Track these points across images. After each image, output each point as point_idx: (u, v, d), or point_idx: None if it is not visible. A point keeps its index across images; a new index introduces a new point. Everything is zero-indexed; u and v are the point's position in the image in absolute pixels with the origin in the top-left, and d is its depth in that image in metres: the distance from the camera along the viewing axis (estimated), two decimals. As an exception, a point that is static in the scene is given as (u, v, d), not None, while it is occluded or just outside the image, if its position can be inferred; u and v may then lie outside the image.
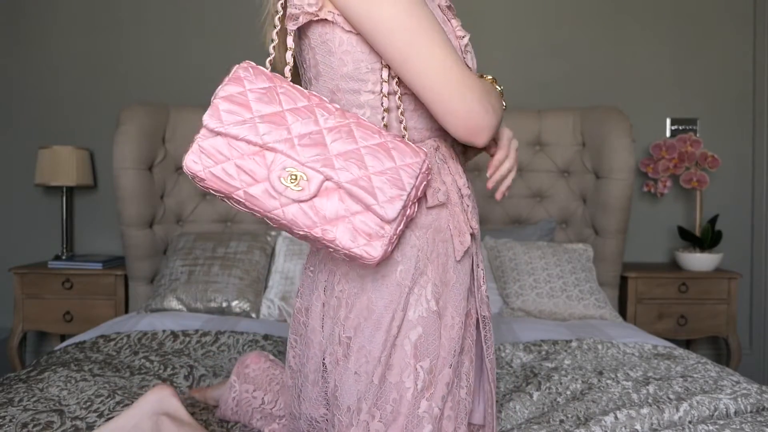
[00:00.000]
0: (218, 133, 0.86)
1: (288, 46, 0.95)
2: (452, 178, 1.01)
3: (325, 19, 0.92)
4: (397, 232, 0.87)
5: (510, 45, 2.94)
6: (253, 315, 2.30)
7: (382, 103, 0.95)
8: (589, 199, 2.68)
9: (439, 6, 0.99)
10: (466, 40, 1.01)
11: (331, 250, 0.87)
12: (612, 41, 2.97)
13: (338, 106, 0.91)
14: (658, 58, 2.98)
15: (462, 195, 1.01)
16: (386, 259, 0.94)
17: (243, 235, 2.54)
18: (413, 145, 0.91)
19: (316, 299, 1.02)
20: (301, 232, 0.86)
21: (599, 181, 2.61)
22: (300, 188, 0.84)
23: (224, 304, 2.28)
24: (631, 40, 2.97)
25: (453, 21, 1.01)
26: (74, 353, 1.72)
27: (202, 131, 0.87)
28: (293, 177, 0.84)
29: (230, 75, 0.89)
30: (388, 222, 0.86)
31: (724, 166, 2.90)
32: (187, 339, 1.86)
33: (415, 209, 0.91)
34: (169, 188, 2.65)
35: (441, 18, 0.98)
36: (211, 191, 0.87)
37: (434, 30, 0.88)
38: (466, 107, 0.88)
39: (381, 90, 0.95)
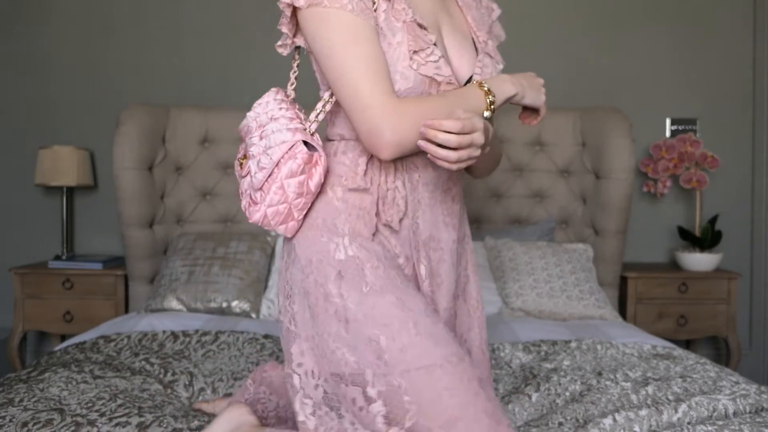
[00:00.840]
0: None
1: (292, 67, 1.24)
2: (381, 173, 1.10)
3: (300, 46, 1.11)
4: (272, 203, 1.06)
5: (509, 45, 2.92)
6: (253, 315, 2.30)
7: (324, 106, 1.11)
8: (589, 199, 2.68)
9: (404, 21, 1.05)
10: (427, 52, 1.06)
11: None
12: (612, 41, 2.97)
13: (291, 106, 1.12)
14: (658, 58, 2.98)
15: (387, 188, 1.11)
16: (311, 218, 1.10)
17: (243, 235, 2.54)
18: (304, 132, 1.07)
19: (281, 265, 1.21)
20: (241, 200, 1.14)
21: (599, 181, 2.61)
22: (242, 167, 1.15)
23: (224, 305, 2.28)
24: (631, 40, 2.97)
25: (408, 34, 1.06)
26: (74, 354, 1.72)
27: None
28: (242, 161, 1.16)
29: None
30: (257, 189, 1.07)
31: (724, 166, 2.90)
32: (187, 339, 1.86)
33: (307, 187, 1.06)
34: (169, 188, 2.65)
35: (398, 30, 1.05)
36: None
37: (358, 59, 1.01)
38: (368, 125, 1.00)
39: (326, 96, 1.11)
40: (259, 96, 1.19)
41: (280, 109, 1.10)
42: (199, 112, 2.67)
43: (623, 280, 2.69)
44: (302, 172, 1.05)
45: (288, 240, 1.12)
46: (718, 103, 2.99)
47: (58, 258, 2.70)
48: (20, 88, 2.94)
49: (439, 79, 1.07)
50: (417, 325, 0.99)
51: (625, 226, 2.59)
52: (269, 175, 1.05)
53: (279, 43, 1.13)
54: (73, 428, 1.18)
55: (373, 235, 1.09)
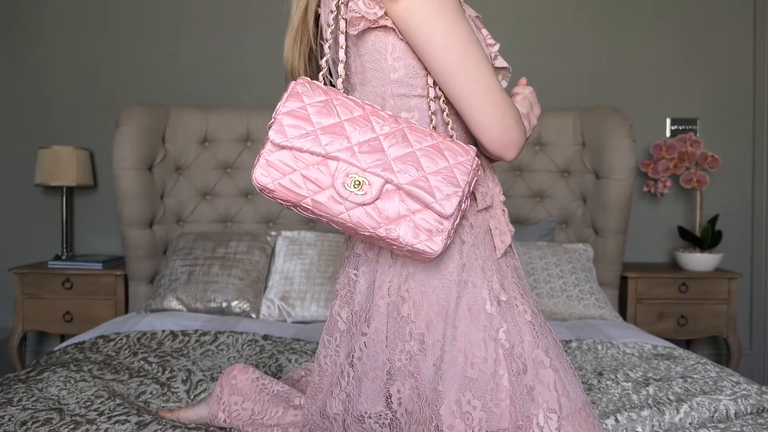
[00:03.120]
0: (283, 147, 0.92)
1: (340, 58, 1.00)
2: (494, 183, 1.07)
3: (384, 26, 0.96)
4: (454, 226, 0.93)
5: (510, 45, 2.93)
6: (253, 315, 2.30)
7: (429, 106, 1.01)
8: (589, 199, 2.68)
9: (470, 17, 1.03)
10: (495, 48, 1.06)
11: (395, 247, 0.94)
12: (612, 41, 2.97)
13: (390, 113, 0.97)
14: (658, 58, 2.98)
15: (501, 199, 1.08)
16: (448, 256, 1.01)
17: (243, 235, 2.54)
18: (462, 143, 0.96)
19: (379, 297, 1.05)
20: (366, 233, 0.93)
21: (599, 181, 2.61)
22: (363, 192, 0.91)
23: (224, 304, 2.28)
24: (631, 40, 2.97)
25: (483, 30, 1.07)
26: (74, 353, 1.72)
27: (268, 146, 0.92)
28: (357, 183, 0.91)
29: (288, 91, 0.95)
30: (446, 217, 0.92)
31: (724, 166, 2.90)
32: (186, 338, 1.85)
33: (468, 204, 0.96)
34: (169, 188, 2.65)
35: (473, 29, 1.01)
36: (279, 201, 0.94)
37: (479, 50, 0.94)
38: (505, 124, 0.95)
39: (428, 94, 1.00)
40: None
41: (381, 117, 0.95)
42: (199, 112, 2.67)
43: (623, 280, 2.69)
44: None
45: (410, 279, 1.02)
46: (718, 103, 2.99)
47: (57, 258, 2.70)
48: (20, 88, 2.94)
49: (510, 70, 1.07)
50: (567, 376, 1.00)
51: (626, 226, 2.59)
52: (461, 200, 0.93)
53: (357, 14, 0.95)
54: (71, 427, 1.18)
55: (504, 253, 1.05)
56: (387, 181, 0.91)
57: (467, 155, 0.94)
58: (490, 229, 1.06)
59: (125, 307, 2.62)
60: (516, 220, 2.77)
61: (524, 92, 1.12)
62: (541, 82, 2.90)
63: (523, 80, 1.15)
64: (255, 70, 2.90)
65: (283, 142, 0.91)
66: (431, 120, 1.01)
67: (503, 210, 1.08)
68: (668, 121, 2.99)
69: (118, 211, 2.52)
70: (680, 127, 2.98)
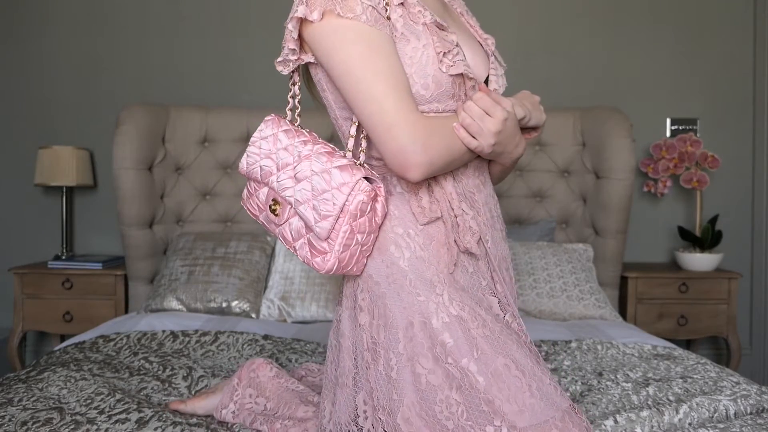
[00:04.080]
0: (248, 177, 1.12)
1: (290, 89, 1.14)
2: (445, 197, 1.06)
3: (311, 62, 1.04)
4: (342, 248, 0.98)
5: (510, 45, 2.93)
6: (253, 315, 2.30)
7: (354, 131, 1.04)
8: (589, 199, 2.68)
9: (424, 24, 1.00)
10: (453, 52, 1.01)
11: (305, 261, 1.05)
12: (612, 41, 2.97)
13: (311, 138, 1.05)
14: (658, 58, 2.98)
15: (455, 214, 1.05)
16: (393, 266, 1.02)
17: (243, 235, 2.54)
18: (359, 168, 0.99)
19: (346, 306, 1.09)
20: (289, 247, 1.07)
21: (599, 181, 2.61)
22: (278, 215, 1.05)
23: (224, 305, 2.28)
24: (631, 40, 2.97)
25: (432, 36, 1.01)
26: (74, 353, 1.72)
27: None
28: (273, 207, 1.05)
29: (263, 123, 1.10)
30: (324, 239, 0.99)
31: (724, 166, 2.90)
32: (187, 339, 1.85)
33: (374, 223, 1.01)
34: (169, 188, 2.65)
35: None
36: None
37: (378, 75, 0.95)
38: (397, 146, 0.95)
39: (353, 119, 1.04)
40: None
41: (304, 143, 1.03)
42: (199, 112, 2.67)
43: (623, 280, 2.69)
44: (369, 210, 0.99)
45: (365, 289, 1.04)
46: (718, 103, 2.99)
47: (57, 258, 2.70)
48: (20, 88, 2.94)
49: (471, 75, 1.03)
50: (531, 388, 0.97)
51: (626, 226, 2.59)
52: (335, 222, 0.98)
53: (279, 59, 1.06)
54: (72, 427, 1.18)
55: (454, 265, 1.03)
56: (289, 204, 1.02)
57: (348, 179, 0.97)
58: (444, 241, 1.04)
59: (125, 307, 2.62)
60: (516, 220, 2.77)
61: (528, 98, 1.11)
62: (541, 82, 2.91)
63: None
64: (255, 70, 2.90)
65: (243, 171, 1.12)
66: (360, 145, 1.05)
67: (456, 225, 1.05)
68: (668, 121, 2.99)
69: (118, 211, 2.52)
70: (680, 127, 2.98)
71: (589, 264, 2.50)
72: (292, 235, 1.04)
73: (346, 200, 0.96)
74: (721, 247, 2.91)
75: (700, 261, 2.67)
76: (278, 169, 1.03)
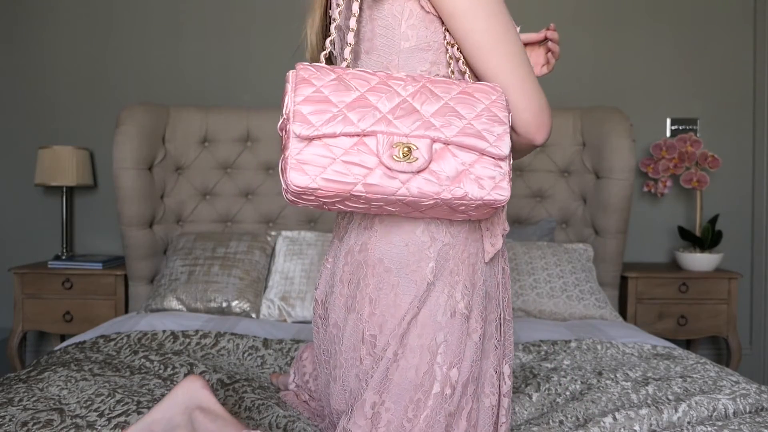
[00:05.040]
0: (312, 138, 0.82)
1: (353, 11, 0.93)
2: None
3: None
4: (511, 168, 0.89)
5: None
6: (253, 315, 2.30)
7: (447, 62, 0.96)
8: (589, 199, 2.68)
9: None
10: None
11: (462, 208, 0.88)
12: (612, 41, 2.97)
13: (405, 73, 0.91)
14: (658, 58, 2.98)
15: None
16: (414, 253, 0.94)
17: (243, 235, 2.54)
18: (486, 83, 0.92)
19: (338, 293, 1.00)
20: (430, 202, 0.85)
21: (599, 181, 2.61)
22: (415, 159, 0.83)
23: (224, 304, 2.28)
24: (631, 40, 2.97)
25: None
26: (74, 353, 1.72)
27: (293, 145, 0.83)
28: (405, 151, 0.83)
29: (293, 81, 0.86)
30: (503, 159, 0.87)
31: (724, 166, 2.90)
32: (187, 340, 1.85)
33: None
34: (169, 188, 2.65)
35: None
36: (321, 201, 0.86)
37: (514, 25, 0.93)
38: (540, 104, 0.92)
39: (450, 69, 0.95)
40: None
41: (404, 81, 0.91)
42: (199, 112, 2.67)
43: (623, 280, 2.69)
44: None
45: (371, 275, 0.96)
46: (718, 103, 2.99)
47: (57, 258, 2.70)
48: (20, 88, 2.94)
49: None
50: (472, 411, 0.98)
51: (626, 226, 2.59)
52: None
53: None
54: (72, 430, 1.18)
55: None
56: (434, 140, 0.85)
57: (497, 91, 0.90)
58: (480, 229, 0.99)
59: (125, 307, 2.62)
60: (516, 220, 2.77)
61: None
62: (541, 82, 2.90)
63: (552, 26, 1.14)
64: (255, 70, 2.90)
65: (312, 133, 0.82)
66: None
67: (502, 207, 1.00)
68: (668, 121, 2.99)
69: (118, 211, 2.52)
70: (680, 127, 2.98)
71: (589, 264, 2.50)
72: (447, 178, 0.85)
73: (508, 113, 0.90)
74: (721, 247, 2.91)
75: (700, 261, 2.67)
76: (382, 112, 0.85)
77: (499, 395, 1.03)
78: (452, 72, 0.95)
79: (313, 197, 0.84)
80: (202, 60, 2.93)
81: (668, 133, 2.99)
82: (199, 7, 2.93)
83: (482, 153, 0.86)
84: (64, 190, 2.80)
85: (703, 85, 2.99)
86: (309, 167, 0.82)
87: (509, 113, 0.90)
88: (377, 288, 0.95)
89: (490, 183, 0.86)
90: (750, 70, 2.99)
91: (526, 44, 1.17)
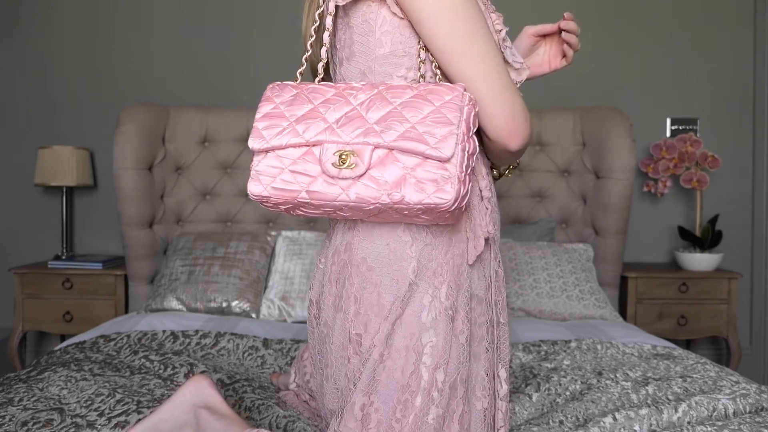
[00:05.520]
0: (266, 151, 0.90)
1: (326, 26, 0.96)
2: (473, 177, 1.00)
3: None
4: (464, 170, 0.85)
5: (510, 45, 2.93)
6: (253, 315, 2.30)
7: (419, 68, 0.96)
8: (589, 199, 2.68)
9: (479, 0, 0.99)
10: (503, 34, 1.02)
11: (406, 212, 0.88)
12: (612, 41, 2.97)
13: (365, 82, 0.93)
14: (658, 59, 2.98)
15: (483, 197, 1.01)
16: (396, 252, 0.95)
17: (243, 235, 2.54)
18: (447, 83, 0.90)
19: (328, 292, 1.02)
20: (370, 207, 0.87)
21: (599, 181, 2.61)
22: (354, 165, 0.86)
23: (224, 304, 2.28)
24: (631, 41, 2.97)
25: (493, 15, 1.02)
26: (74, 353, 1.72)
27: (254, 158, 0.91)
28: (342, 158, 0.86)
29: (261, 99, 0.94)
30: (447, 161, 0.85)
31: (724, 166, 2.90)
32: (187, 340, 1.85)
33: (475, 145, 0.90)
34: (169, 188, 2.65)
35: (482, 8, 0.98)
36: (278, 207, 0.92)
37: (487, 29, 0.91)
38: (512, 110, 0.90)
39: (420, 73, 0.95)
40: (259, 96, 1.11)
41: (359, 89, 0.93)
42: (199, 112, 2.67)
43: (623, 280, 2.69)
44: (475, 126, 0.92)
45: (355, 275, 0.98)
46: (718, 103, 2.99)
47: (57, 258, 2.70)
48: (20, 88, 2.94)
49: (516, 66, 1.03)
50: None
51: (626, 226, 2.59)
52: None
53: None
54: (72, 430, 1.18)
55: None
56: (375, 146, 0.86)
57: (454, 92, 0.87)
58: (461, 230, 0.99)
59: (125, 307, 2.62)
60: (516, 220, 2.77)
61: None
62: (541, 82, 2.91)
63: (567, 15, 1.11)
64: (255, 70, 2.90)
65: (262, 146, 0.89)
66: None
67: (485, 209, 1.00)
68: (668, 121, 2.99)
69: (118, 211, 2.52)
70: (680, 127, 2.98)
71: (589, 264, 2.50)
72: (386, 183, 0.85)
73: (463, 114, 0.86)
74: (721, 247, 2.91)
75: (700, 261, 2.67)
76: (328, 122, 0.89)
77: (495, 399, 1.03)
78: (422, 76, 0.95)
79: (270, 204, 0.91)
80: (202, 60, 2.93)
81: (668, 133, 2.99)
82: (199, 7, 2.93)
83: (424, 156, 0.85)
84: (64, 190, 2.80)
85: (703, 85, 2.99)
86: (263, 177, 0.90)
87: (463, 114, 0.86)
88: (361, 287, 0.96)
89: (432, 186, 0.84)
90: (750, 70, 2.99)
91: (542, 36, 1.16)
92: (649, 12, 2.97)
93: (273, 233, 2.59)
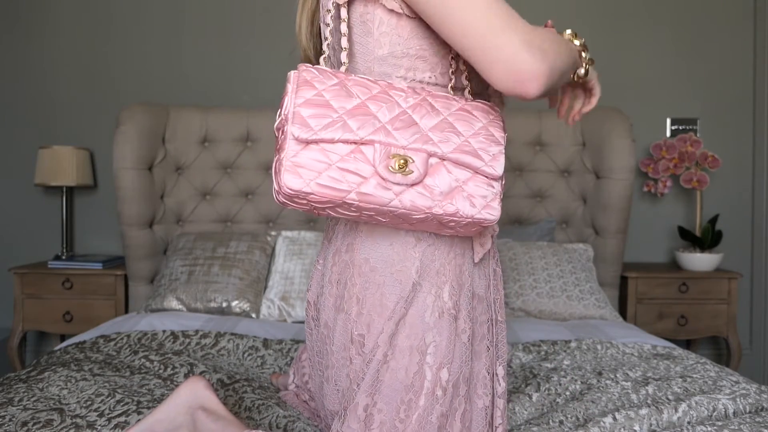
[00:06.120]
0: (309, 143, 0.82)
1: (342, 32, 0.93)
2: None
3: None
4: (503, 188, 0.88)
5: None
6: (253, 315, 2.30)
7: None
8: (589, 199, 2.68)
9: None
10: None
11: (453, 224, 0.87)
12: (612, 41, 2.97)
13: (405, 85, 0.90)
14: (658, 58, 2.98)
15: None
16: (399, 252, 0.95)
17: (243, 235, 2.54)
18: (485, 101, 0.92)
19: (328, 293, 1.01)
20: (421, 216, 0.85)
21: (599, 181, 2.61)
22: (410, 171, 0.83)
23: (224, 304, 2.28)
24: (631, 40, 2.97)
25: None
26: (74, 353, 1.72)
27: (290, 147, 0.81)
28: (401, 163, 0.82)
29: (294, 82, 0.85)
30: (496, 179, 0.86)
31: (724, 166, 2.90)
32: (187, 340, 1.85)
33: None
34: (169, 188, 2.65)
35: None
36: (313, 205, 0.85)
37: None
38: (512, 51, 0.79)
39: (452, 83, 0.94)
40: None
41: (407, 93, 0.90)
42: (199, 112, 2.67)
43: (623, 280, 2.69)
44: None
45: (357, 274, 0.97)
46: (719, 103, 2.99)
47: (57, 258, 2.70)
48: (20, 88, 2.94)
49: None
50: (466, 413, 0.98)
51: (626, 226, 2.59)
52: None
53: None
54: (72, 430, 1.18)
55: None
56: (430, 155, 0.84)
57: (495, 111, 0.90)
58: None
59: (125, 307, 2.62)
60: (516, 220, 2.77)
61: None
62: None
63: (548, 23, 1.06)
64: (255, 70, 2.90)
65: (310, 137, 0.81)
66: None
67: None
68: (668, 121, 2.99)
69: (118, 211, 2.52)
70: (680, 127, 2.98)
71: (589, 264, 2.50)
72: (440, 194, 0.83)
73: (503, 133, 0.88)
74: (721, 247, 2.91)
75: (700, 261, 2.67)
76: (381, 121, 0.84)
77: (494, 396, 1.04)
78: (452, 87, 0.94)
79: (305, 201, 0.83)
80: (202, 60, 2.92)
81: (668, 133, 2.99)
82: (200, 7, 2.93)
83: (476, 171, 0.86)
84: (64, 190, 2.80)
85: (703, 85, 2.99)
86: (304, 171, 0.81)
87: (505, 134, 0.90)
88: (364, 287, 0.96)
89: (482, 202, 0.85)
90: (750, 70, 2.99)
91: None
92: (649, 12, 2.97)
93: (273, 233, 2.59)
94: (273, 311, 2.31)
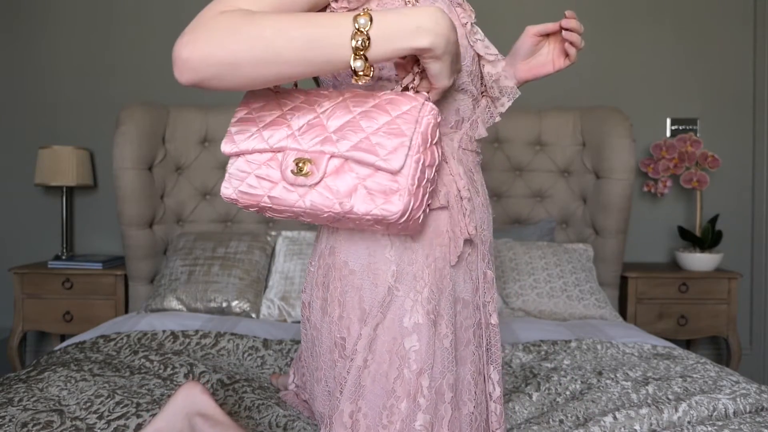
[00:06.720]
0: (237, 155, 0.92)
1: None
2: (452, 179, 0.99)
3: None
4: (416, 182, 0.84)
5: (510, 45, 2.93)
6: (253, 315, 2.29)
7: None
8: (589, 199, 2.68)
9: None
10: (469, 27, 1.03)
11: (357, 222, 0.89)
12: (612, 41, 2.97)
13: (334, 89, 0.94)
14: (658, 58, 2.98)
15: (461, 197, 0.99)
16: (376, 256, 0.95)
17: (243, 235, 2.54)
18: (411, 94, 0.88)
19: (316, 296, 1.03)
20: (324, 215, 0.88)
21: (599, 181, 2.61)
22: (309, 172, 0.86)
23: (224, 304, 2.28)
24: (631, 40, 2.97)
25: (457, 9, 1.04)
26: (74, 353, 1.71)
27: (229, 161, 0.94)
28: (299, 166, 0.87)
29: (239, 104, 0.96)
30: (396, 172, 0.83)
31: (724, 166, 2.90)
32: (187, 340, 1.85)
33: (435, 156, 0.88)
34: (169, 188, 2.65)
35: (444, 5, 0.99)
36: (249, 209, 0.94)
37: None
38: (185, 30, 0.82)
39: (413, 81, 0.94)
40: None
41: (325, 96, 0.95)
42: (199, 112, 2.67)
43: (623, 280, 2.69)
44: (436, 138, 0.90)
45: (338, 278, 0.99)
46: (718, 103, 2.99)
47: (57, 258, 2.70)
48: (20, 88, 2.94)
49: (490, 58, 1.04)
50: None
51: (626, 226, 2.59)
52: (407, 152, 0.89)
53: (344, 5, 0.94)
54: (72, 432, 1.18)
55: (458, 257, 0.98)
56: (331, 155, 0.86)
57: (412, 102, 0.85)
58: (443, 233, 0.98)
59: (125, 307, 2.62)
60: (516, 220, 2.77)
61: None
62: (542, 82, 2.91)
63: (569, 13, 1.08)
64: (255, 70, 2.90)
65: (232, 150, 0.91)
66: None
67: (465, 209, 0.99)
68: (668, 121, 2.99)
69: (118, 211, 2.52)
70: (680, 127, 2.99)
71: (589, 264, 2.50)
72: (338, 192, 0.85)
73: (420, 126, 0.84)
74: (721, 247, 2.91)
75: (700, 261, 2.67)
76: (292, 129, 0.89)
77: (488, 401, 1.03)
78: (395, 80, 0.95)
79: (239, 205, 0.93)
80: (202, 60, 2.92)
81: (668, 133, 2.99)
82: (199, 8, 2.92)
83: (374, 167, 0.84)
84: (64, 190, 2.80)
85: (703, 85, 2.99)
86: (233, 180, 0.93)
87: (420, 125, 0.84)
88: (344, 291, 0.97)
89: (381, 198, 0.84)
90: (750, 70, 2.99)
91: (544, 35, 1.14)
92: (649, 12, 2.97)
93: (273, 233, 2.59)
94: (273, 311, 2.31)
